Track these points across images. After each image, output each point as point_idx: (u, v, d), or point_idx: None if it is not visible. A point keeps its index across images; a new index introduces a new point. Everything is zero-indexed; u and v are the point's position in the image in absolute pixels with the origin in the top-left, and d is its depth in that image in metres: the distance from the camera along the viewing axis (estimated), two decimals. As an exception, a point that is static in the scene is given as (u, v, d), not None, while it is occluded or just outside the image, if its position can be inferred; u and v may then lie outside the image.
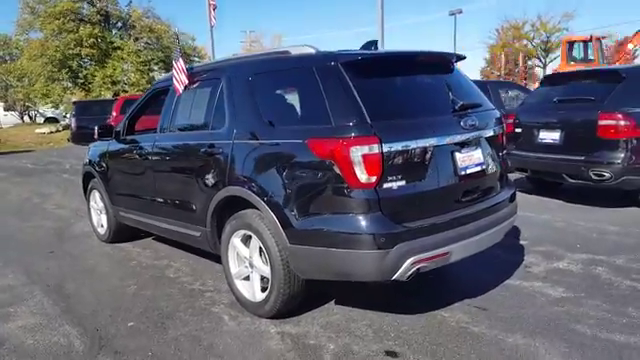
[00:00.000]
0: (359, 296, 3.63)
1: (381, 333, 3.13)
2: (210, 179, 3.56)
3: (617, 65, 6.53)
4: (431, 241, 2.88)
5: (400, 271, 2.80)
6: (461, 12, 38.16)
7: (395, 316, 3.34)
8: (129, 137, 4.79)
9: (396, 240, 2.76)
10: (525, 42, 42.61)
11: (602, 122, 5.72)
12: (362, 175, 2.72)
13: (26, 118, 31.47)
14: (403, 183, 2.83)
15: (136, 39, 26.33)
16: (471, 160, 3.18)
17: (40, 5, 24.77)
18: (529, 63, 43.81)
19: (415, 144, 2.88)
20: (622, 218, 5.58)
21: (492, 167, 3.41)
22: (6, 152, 19.67)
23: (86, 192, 5.84)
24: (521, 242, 4.86)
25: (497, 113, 3.66)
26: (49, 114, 30.00)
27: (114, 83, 25.21)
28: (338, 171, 2.76)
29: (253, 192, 3.18)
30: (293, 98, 3.23)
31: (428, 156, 2.94)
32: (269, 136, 3.18)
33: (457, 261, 3.72)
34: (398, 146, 2.81)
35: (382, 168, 2.74)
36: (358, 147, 2.70)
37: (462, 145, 3.13)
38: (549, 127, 6.46)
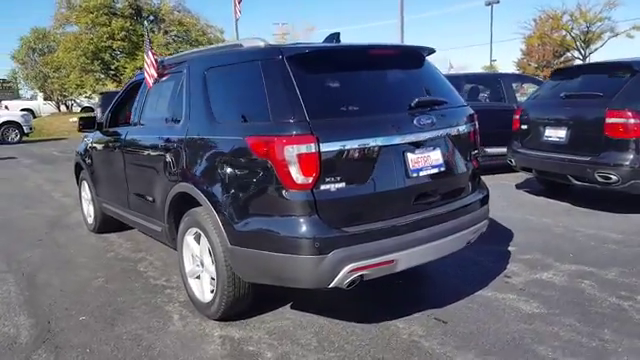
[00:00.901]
0: (318, 299, 3.49)
1: (325, 343, 2.97)
2: (167, 174, 3.48)
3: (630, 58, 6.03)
4: (373, 247, 2.69)
5: (337, 279, 2.63)
6: (498, 2, 36.90)
7: (347, 324, 3.17)
8: (110, 129, 4.78)
9: (333, 245, 2.60)
10: (564, 33, 40.88)
11: (610, 120, 5.31)
12: (298, 176, 2.56)
13: (63, 107, 32.57)
14: (343, 185, 2.65)
15: (165, 32, 26.70)
16: (427, 161, 2.96)
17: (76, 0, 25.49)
18: (568, 55, 42.03)
19: (357, 144, 2.69)
20: (628, 226, 5.18)
21: (456, 169, 3.18)
22: (40, 140, 20.43)
23: (78, 182, 5.91)
24: (509, 248, 4.58)
25: (467, 110, 3.41)
26: (85, 104, 30.94)
27: (146, 74, 25.61)
28: (274, 171, 2.61)
29: (200, 190, 3.08)
30: (240, 93, 3.08)
31: (373, 156, 2.74)
32: (215, 132, 3.06)
33: (429, 266, 3.58)
34: (337, 146, 2.63)
35: (319, 169, 2.57)
36: (294, 146, 2.54)
37: (416, 145, 2.92)
38: (555, 124, 6.08)
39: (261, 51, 2.93)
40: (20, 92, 37.07)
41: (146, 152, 3.91)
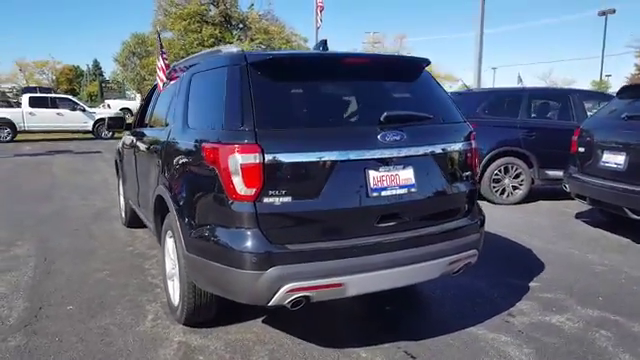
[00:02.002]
0: (295, 316, 3.35)
1: (276, 362, 2.85)
2: (153, 176, 3.57)
3: None
4: (318, 268, 2.52)
5: (276, 297, 2.50)
6: (614, 12, 33.96)
7: (309, 346, 3.02)
8: (136, 129, 5.02)
9: (271, 262, 2.47)
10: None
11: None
12: (240, 186, 2.47)
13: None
14: (289, 199, 2.51)
15: (251, 40, 27.78)
16: (394, 181, 2.72)
17: (172, 7, 27.36)
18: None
19: (307, 157, 2.53)
20: (687, 272, 4.45)
21: (435, 191, 2.90)
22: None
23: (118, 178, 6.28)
24: (531, 283, 4.12)
25: (462, 128, 3.12)
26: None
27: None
28: (220, 180, 2.55)
29: (169, 194, 3.10)
30: (208, 99, 3.05)
31: (325, 172, 2.57)
32: (184, 137, 3.07)
33: (426, 293, 3.32)
34: (285, 158, 2.50)
35: (263, 180, 2.46)
36: (237, 155, 2.46)
37: (381, 162, 2.70)
38: (613, 148, 5.41)
39: (229, 57, 2.88)
40: (127, 93, 40.56)
41: (146, 153, 4.04)
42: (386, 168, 2.70)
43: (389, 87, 3.03)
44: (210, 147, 2.63)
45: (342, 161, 2.59)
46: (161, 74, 4.15)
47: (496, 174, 7.50)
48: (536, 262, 4.72)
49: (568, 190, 6.24)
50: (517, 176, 7.58)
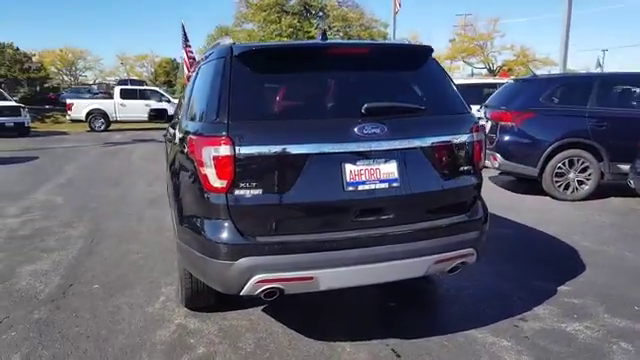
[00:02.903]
0: (296, 307, 3.40)
1: (259, 350, 2.92)
2: (166, 166, 3.75)
3: None
4: (288, 261, 2.52)
5: (246, 288, 2.54)
6: None
7: (297, 337, 3.06)
8: (171, 122, 5.29)
9: (241, 253, 2.52)
10: None
11: None
12: (213, 178, 2.53)
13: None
14: (260, 192, 2.53)
15: (329, 28, 27.88)
16: (373, 175, 2.63)
17: (254, -1, 28.28)
18: None
19: (280, 149, 2.52)
20: None
21: (422, 186, 2.76)
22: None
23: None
24: (561, 287, 3.81)
25: (464, 120, 2.92)
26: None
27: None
28: (198, 171, 2.63)
29: (171, 183, 3.25)
30: (202, 91, 3.11)
31: (299, 164, 2.54)
32: (182, 129, 3.18)
33: (439, 290, 3.22)
34: (256, 150, 2.50)
35: (234, 173, 2.50)
36: (210, 147, 2.51)
37: (360, 156, 2.62)
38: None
39: (218, 50, 2.94)
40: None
41: (167, 145, 4.24)
42: (365, 162, 2.62)
43: (379, 78, 2.91)
44: (190, 139, 2.72)
45: (316, 154, 2.55)
46: (186, 68, 4.32)
47: (559, 167, 6.93)
48: (577, 264, 4.34)
49: (632, 186, 5.62)
50: (584, 170, 6.94)
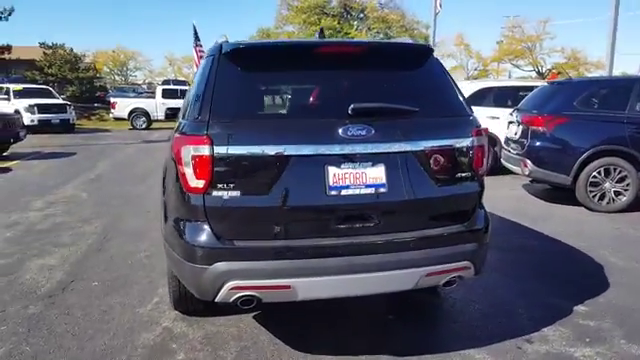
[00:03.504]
0: (289, 315, 3.27)
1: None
2: None
3: None
4: (264, 267, 2.40)
5: (221, 294, 2.44)
6: None
7: (281, 347, 2.93)
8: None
9: (216, 257, 2.42)
10: None
11: None
12: (191, 178, 2.44)
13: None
14: (238, 194, 2.41)
15: (369, 29, 27.66)
16: (359, 179, 2.46)
17: (294, 1, 28.37)
18: None
19: (260, 150, 2.40)
20: None
21: (413, 192, 2.57)
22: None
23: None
24: (578, 306, 3.51)
25: (463, 123, 2.71)
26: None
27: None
28: (178, 171, 2.55)
29: (163, 182, 3.20)
30: (192, 90, 3.04)
31: (279, 167, 2.41)
32: (175, 127, 3.12)
33: (443, 306, 3.05)
34: (235, 150, 2.40)
35: (212, 173, 2.40)
36: (190, 146, 2.42)
37: (345, 159, 2.46)
38: None
39: (211, 48, 2.85)
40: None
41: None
42: (350, 165, 2.47)
43: (373, 77, 2.74)
44: (174, 137, 2.66)
45: (298, 156, 2.42)
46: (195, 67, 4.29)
47: (594, 177, 6.47)
48: (601, 283, 3.99)
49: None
50: (621, 180, 6.46)
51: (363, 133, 2.46)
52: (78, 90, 25.66)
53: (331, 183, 2.44)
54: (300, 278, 2.42)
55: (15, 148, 11.74)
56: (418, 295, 3.41)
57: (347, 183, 2.46)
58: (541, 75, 36.14)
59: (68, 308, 3.45)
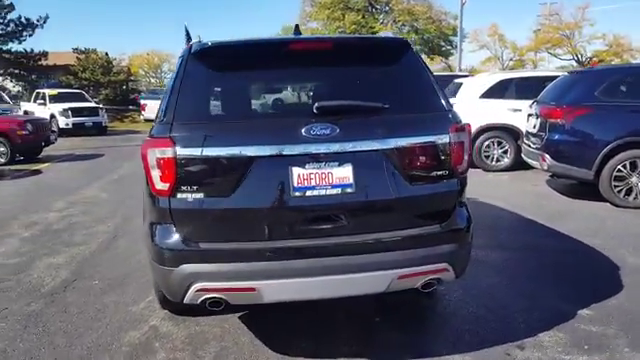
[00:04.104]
0: (276, 316, 3.25)
1: (216, 360, 2.80)
2: None
3: None
4: (228, 269, 2.39)
5: (188, 296, 2.45)
6: None
7: (260, 349, 2.92)
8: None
9: (181, 259, 2.42)
10: None
11: None
12: (157, 181, 2.44)
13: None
14: (201, 196, 2.40)
15: (394, 22, 27.24)
16: (324, 179, 2.40)
17: (318, -3, 28.27)
18: None
19: (223, 152, 2.38)
20: None
21: (383, 192, 2.49)
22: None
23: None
24: (584, 311, 3.34)
25: (438, 119, 2.60)
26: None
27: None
28: (147, 173, 2.56)
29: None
30: (165, 92, 3.03)
31: (242, 168, 2.38)
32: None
33: (438, 306, 2.98)
34: (198, 152, 2.38)
35: (175, 175, 2.39)
36: (155, 149, 2.42)
37: (310, 159, 2.40)
38: None
39: (183, 49, 2.85)
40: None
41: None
42: (315, 165, 2.41)
43: (343, 75, 2.67)
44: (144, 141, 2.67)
45: (261, 157, 2.38)
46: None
47: (619, 170, 6.15)
48: (613, 285, 3.78)
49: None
50: (649, 174, 6.12)
51: (327, 132, 2.40)
52: (112, 93, 26.43)
53: (295, 184, 2.40)
54: (265, 280, 2.40)
55: (49, 151, 12.22)
56: (410, 296, 3.32)
57: (313, 184, 2.41)
58: (581, 64, 34.73)
59: (66, 306, 3.54)
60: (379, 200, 2.50)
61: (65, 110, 17.59)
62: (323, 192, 2.41)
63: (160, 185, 2.44)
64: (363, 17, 27.07)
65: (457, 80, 10.52)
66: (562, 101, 6.50)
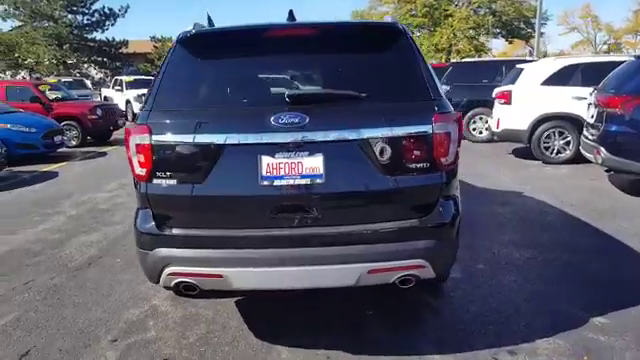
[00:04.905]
0: (271, 304, 3.30)
1: (199, 343, 2.89)
2: None
3: None
4: (197, 255, 2.44)
5: (162, 279, 2.54)
6: None
7: (245, 334, 2.97)
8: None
9: (156, 243, 2.52)
10: None
11: None
12: (137, 166, 2.53)
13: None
14: (174, 182, 2.47)
15: (470, 3, 25.97)
16: (294, 169, 2.36)
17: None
18: None
19: (193, 139, 2.42)
20: None
21: (356, 184, 2.42)
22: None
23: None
24: (597, 318, 3.06)
25: (421, 109, 2.46)
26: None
27: (438, 51, 25.97)
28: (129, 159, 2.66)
29: None
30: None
31: (213, 156, 2.40)
32: None
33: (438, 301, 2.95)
34: (171, 139, 2.44)
35: (152, 161, 2.47)
36: (134, 136, 2.51)
37: (280, 148, 2.37)
38: None
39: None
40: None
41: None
42: (285, 154, 2.38)
43: (323, 62, 2.60)
44: None
45: (231, 145, 2.39)
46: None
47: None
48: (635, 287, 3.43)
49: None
50: None
51: (296, 121, 2.36)
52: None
53: (264, 173, 2.39)
54: (231, 268, 2.43)
55: (119, 134, 13.06)
56: (410, 290, 3.21)
57: (282, 173, 2.38)
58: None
59: (84, 282, 3.81)
60: (350, 192, 2.44)
61: (139, 96, 18.63)
62: (292, 182, 2.38)
63: (138, 170, 2.54)
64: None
65: (519, 65, 9.87)
66: (622, 89, 5.91)
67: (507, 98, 8.88)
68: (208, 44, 2.71)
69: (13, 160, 8.68)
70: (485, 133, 11.31)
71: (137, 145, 2.51)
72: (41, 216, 5.70)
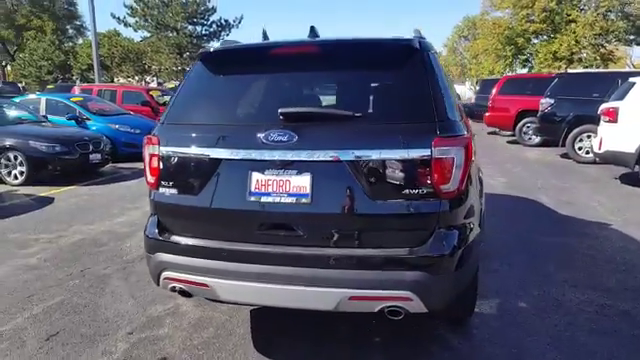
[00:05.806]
0: (287, 316, 3.31)
1: (200, 346, 2.98)
2: None
3: None
4: (187, 263, 2.53)
5: (160, 282, 2.68)
6: None
7: (246, 344, 3.00)
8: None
9: (157, 248, 2.66)
10: None
11: None
12: (148, 174, 2.72)
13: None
14: (175, 191, 2.60)
15: (597, 7, 23.51)
16: (282, 187, 2.35)
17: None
18: None
19: (190, 151, 2.55)
20: None
21: (342, 206, 2.32)
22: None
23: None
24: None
25: (422, 131, 2.29)
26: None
27: (556, 59, 23.82)
28: None
29: None
30: None
31: (209, 169, 2.49)
32: None
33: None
34: (173, 150, 2.59)
35: (159, 170, 2.63)
36: (148, 146, 2.70)
37: (270, 165, 2.38)
38: None
39: None
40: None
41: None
42: (274, 172, 2.38)
43: (325, 79, 2.57)
44: None
45: (225, 159, 2.47)
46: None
47: None
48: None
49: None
50: None
51: (284, 139, 2.35)
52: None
53: (253, 189, 2.41)
54: (216, 279, 2.48)
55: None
56: (423, 317, 3.03)
57: (269, 190, 2.39)
58: None
59: (130, 274, 4.14)
60: (334, 214, 2.36)
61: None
62: (278, 199, 2.38)
63: (149, 178, 2.73)
64: (558, 3, 23.77)
65: (631, 79, 8.73)
66: None
67: (613, 116, 7.90)
68: (222, 62, 2.83)
69: (119, 157, 9.73)
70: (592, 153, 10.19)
71: (149, 154, 2.69)
72: (121, 210, 6.31)
